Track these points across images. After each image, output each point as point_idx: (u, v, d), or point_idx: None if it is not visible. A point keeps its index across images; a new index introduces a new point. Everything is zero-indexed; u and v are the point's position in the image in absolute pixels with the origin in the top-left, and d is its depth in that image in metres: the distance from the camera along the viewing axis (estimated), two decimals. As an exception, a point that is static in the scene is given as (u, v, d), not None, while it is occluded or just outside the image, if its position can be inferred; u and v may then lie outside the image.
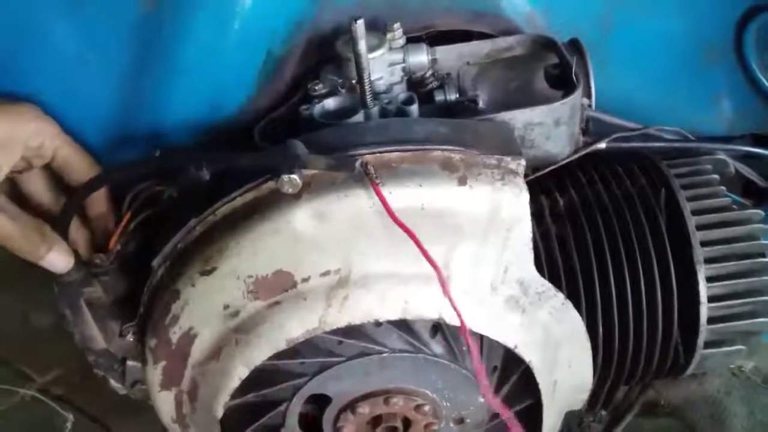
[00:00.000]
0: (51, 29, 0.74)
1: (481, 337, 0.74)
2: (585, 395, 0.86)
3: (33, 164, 0.75)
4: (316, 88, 0.78)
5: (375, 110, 0.75)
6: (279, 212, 0.66)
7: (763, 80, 0.95)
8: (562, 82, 0.80)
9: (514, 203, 0.67)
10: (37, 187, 0.77)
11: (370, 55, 0.74)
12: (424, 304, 0.71)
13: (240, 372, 0.73)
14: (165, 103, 0.79)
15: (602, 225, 0.83)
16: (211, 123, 0.81)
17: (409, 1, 0.84)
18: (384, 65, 0.79)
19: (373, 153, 0.67)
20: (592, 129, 0.86)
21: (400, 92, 0.79)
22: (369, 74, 0.73)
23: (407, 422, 0.80)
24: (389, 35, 0.79)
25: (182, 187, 0.76)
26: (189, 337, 0.74)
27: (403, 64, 0.80)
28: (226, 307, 0.71)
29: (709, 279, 0.82)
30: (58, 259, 0.73)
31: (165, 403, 0.79)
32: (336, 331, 0.72)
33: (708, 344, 0.85)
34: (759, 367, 1.20)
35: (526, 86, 0.85)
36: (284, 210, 0.66)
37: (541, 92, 0.83)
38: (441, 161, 0.68)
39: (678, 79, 0.98)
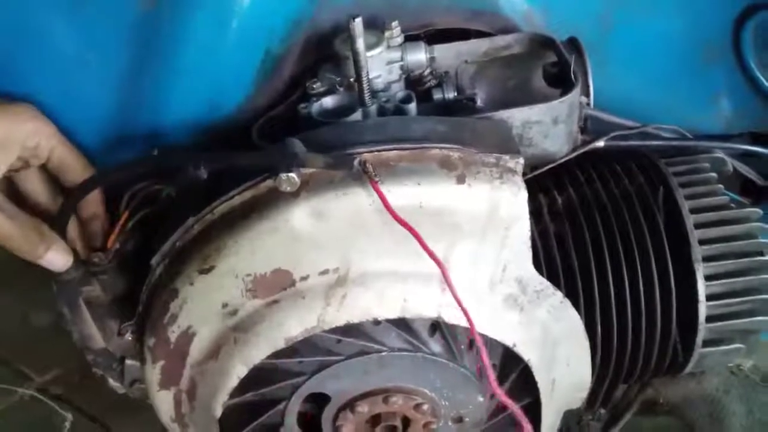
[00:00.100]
0: (49, 29, 0.74)
1: (480, 336, 0.74)
2: (584, 394, 0.86)
3: (30, 164, 0.75)
4: (315, 86, 0.78)
5: (373, 109, 0.75)
6: (277, 211, 0.66)
7: (762, 79, 0.95)
8: (561, 81, 0.81)
9: (512, 202, 0.67)
10: (35, 186, 0.77)
11: (369, 54, 0.74)
12: (423, 303, 0.71)
13: (239, 371, 0.73)
14: (163, 102, 0.79)
15: (601, 223, 0.83)
16: (210, 122, 0.81)
17: (408, 0, 0.84)
18: (382, 63, 0.79)
19: (372, 151, 0.67)
20: (590, 127, 0.86)
21: (399, 90, 0.79)
22: (367, 72, 0.73)
23: (406, 421, 0.80)
24: (387, 33, 0.79)
25: (180, 186, 0.76)
26: (187, 336, 0.74)
27: (402, 63, 0.80)
28: (224, 305, 0.71)
29: (708, 277, 0.82)
30: (56, 258, 0.73)
31: (164, 402, 0.79)
32: (335, 330, 0.72)
33: (706, 343, 0.85)
34: (758, 366, 1.20)
35: (524, 85, 0.85)
36: (282, 208, 0.66)
37: (540, 91, 0.83)
38: (439, 159, 0.68)
39: (676, 78, 0.98)
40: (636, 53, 0.95)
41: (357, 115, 0.75)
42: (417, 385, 0.77)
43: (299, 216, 0.66)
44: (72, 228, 0.77)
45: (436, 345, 0.76)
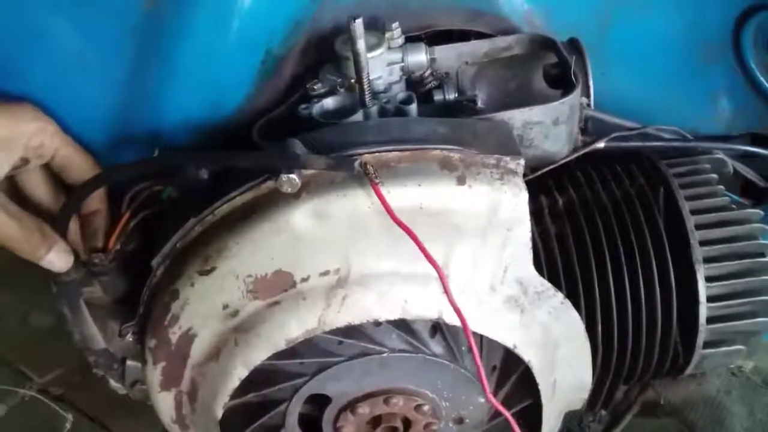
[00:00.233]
0: (51, 29, 0.74)
1: (481, 337, 0.74)
2: (585, 395, 0.86)
3: (33, 164, 0.75)
4: (315, 87, 0.78)
5: (374, 110, 0.75)
6: (278, 212, 0.66)
7: (762, 79, 0.95)
8: (561, 82, 0.81)
9: (513, 203, 0.67)
10: (37, 186, 0.77)
11: (369, 55, 0.74)
12: (424, 304, 0.71)
13: (239, 372, 0.73)
14: (164, 102, 0.79)
15: (601, 224, 0.83)
16: (211, 122, 0.81)
17: (409, 1, 0.84)
18: (383, 64, 0.79)
19: (372, 152, 0.67)
20: (591, 128, 0.86)
21: (399, 92, 0.79)
22: (368, 73, 0.73)
23: (407, 422, 0.80)
24: (388, 35, 0.79)
25: (181, 186, 0.76)
26: (188, 337, 0.74)
27: (402, 64, 0.80)
28: (225, 306, 0.71)
29: (708, 279, 0.82)
30: (57, 259, 0.73)
31: (164, 403, 0.79)
32: (335, 331, 0.72)
33: (707, 344, 0.85)
34: (758, 367, 1.20)
35: (524, 86, 0.85)
36: (283, 209, 0.66)
37: (540, 92, 0.84)
38: (440, 161, 0.68)
39: (676, 79, 0.98)
40: (635, 53, 0.95)
41: (358, 116, 0.75)
42: (418, 387, 0.77)
43: (300, 217, 0.66)
44: (73, 229, 0.77)
45: (436, 346, 0.76)
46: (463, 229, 0.68)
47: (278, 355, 0.72)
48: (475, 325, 0.71)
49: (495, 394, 0.78)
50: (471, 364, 0.77)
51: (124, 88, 0.78)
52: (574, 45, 0.85)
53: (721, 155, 0.92)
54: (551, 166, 0.82)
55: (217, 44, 0.76)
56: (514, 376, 0.80)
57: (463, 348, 0.76)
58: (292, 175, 0.64)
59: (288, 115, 0.81)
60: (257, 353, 0.72)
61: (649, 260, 0.82)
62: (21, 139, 0.70)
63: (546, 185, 0.88)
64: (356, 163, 0.65)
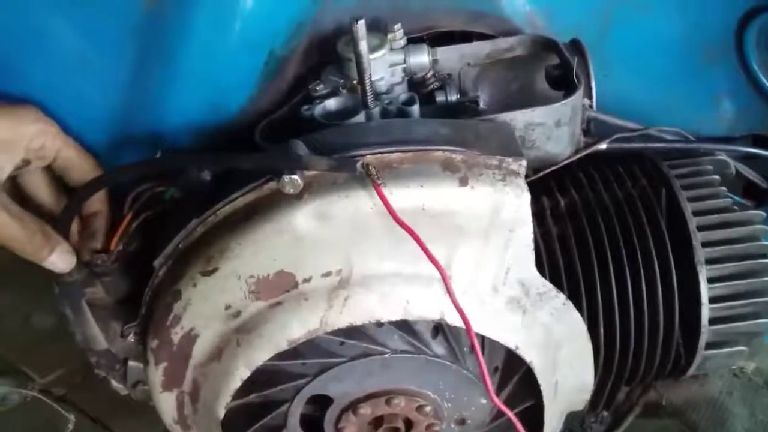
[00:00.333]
0: (51, 29, 0.74)
1: (483, 338, 0.74)
2: (586, 396, 0.86)
3: (34, 165, 0.75)
4: (318, 88, 0.78)
5: (376, 111, 0.75)
6: (280, 213, 0.67)
7: (764, 81, 0.95)
8: (563, 83, 0.81)
9: (515, 204, 0.67)
10: (39, 187, 0.77)
11: (372, 56, 0.74)
12: (426, 305, 0.71)
13: (241, 373, 0.73)
14: (166, 103, 0.79)
15: (603, 226, 0.83)
16: (213, 123, 0.82)
17: (411, 2, 0.84)
18: (385, 66, 0.79)
19: (375, 154, 0.67)
20: (593, 129, 0.86)
21: (401, 93, 0.79)
22: (370, 75, 0.73)
23: (409, 423, 0.80)
24: (390, 36, 0.79)
25: (184, 187, 0.76)
26: (190, 338, 0.74)
27: (404, 65, 0.80)
28: (227, 307, 0.71)
29: (711, 280, 0.82)
30: (60, 260, 0.73)
31: (166, 404, 0.79)
32: (337, 332, 0.72)
33: (709, 345, 0.84)
34: (760, 368, 1.20)
35: (527, 87, 0.85)
36: (285, 210, 0.66)
37: (542, 93, 0.84)
38: (442, 162, 0.68)
39: (679, 80, 0.98)
40: (637, 54, 0.95)
41: (360, 117, 0.75)
42: (420, 387, 0.77)
43: (302, 218, 0.66)
44: (75, 230, 0.77)
45: (438, 347, 0.76)
46: (465, 230, 0.68)
47: (280, 356, 0.73)
48: (478, 326, 0.71)
49: (497, 395, 0.78)
50: (473, 365, 0.77)
51: (125, 89, 0.78)
52: (575, 46, 0.85)
53: (723, 157, 0.91)
54: (553, 168, 0.82)
55: (219, 45, 0.76)
56: (516, 377, 0.80)
57: (465, 349, 0.76)
58: (295, 176, 0.64)
59: (290, 117, 0.81)
60: (259, 354, 0.72)
61: (651, 261, 0.82)
62: (22, 141, 0.70)
63: (548, 186, 0.88)
64: (358, 165, 0.65)
